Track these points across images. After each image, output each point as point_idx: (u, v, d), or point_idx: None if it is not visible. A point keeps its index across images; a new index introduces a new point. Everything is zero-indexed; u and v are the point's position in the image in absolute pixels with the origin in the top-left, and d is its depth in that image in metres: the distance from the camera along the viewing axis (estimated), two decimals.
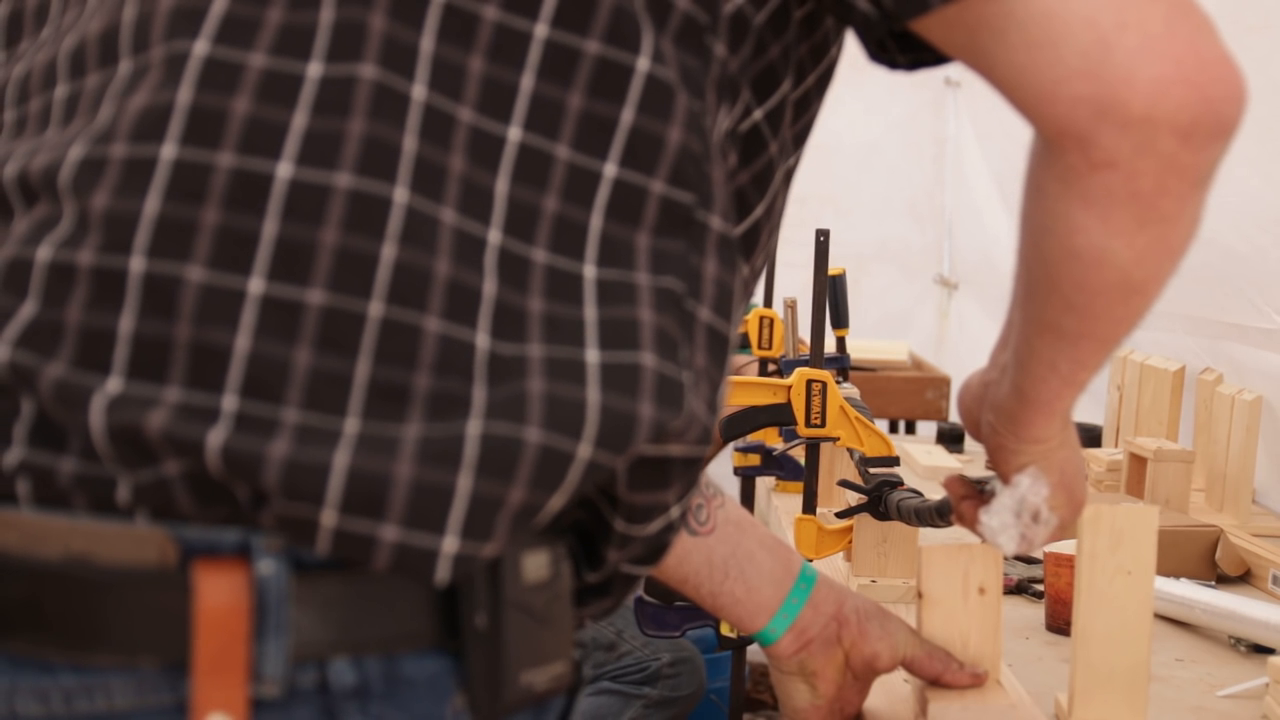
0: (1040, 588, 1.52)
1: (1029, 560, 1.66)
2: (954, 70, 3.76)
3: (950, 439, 2.52)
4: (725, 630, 1.38)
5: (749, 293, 0.87)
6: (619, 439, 0.69)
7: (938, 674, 1.09)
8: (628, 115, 0.71)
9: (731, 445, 1.87)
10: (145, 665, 0.66)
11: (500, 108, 0.70)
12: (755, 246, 0.85)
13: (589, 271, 0.70)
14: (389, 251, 0.67)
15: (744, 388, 1.58)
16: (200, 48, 0.69)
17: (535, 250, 0.70)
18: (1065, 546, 1.38)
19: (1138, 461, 1.90)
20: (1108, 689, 1.07)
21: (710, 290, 0.74)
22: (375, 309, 0.66)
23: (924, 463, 2.30)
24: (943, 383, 3.10)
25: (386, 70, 0.68)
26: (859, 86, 3.83)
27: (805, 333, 1.74)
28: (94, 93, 0.72)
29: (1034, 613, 1.50)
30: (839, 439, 1.56)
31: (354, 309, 0.66)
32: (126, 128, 0.69)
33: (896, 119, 3.81)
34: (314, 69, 0.68)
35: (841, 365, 2.01)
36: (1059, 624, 1.43)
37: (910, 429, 3.09)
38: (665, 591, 1.82)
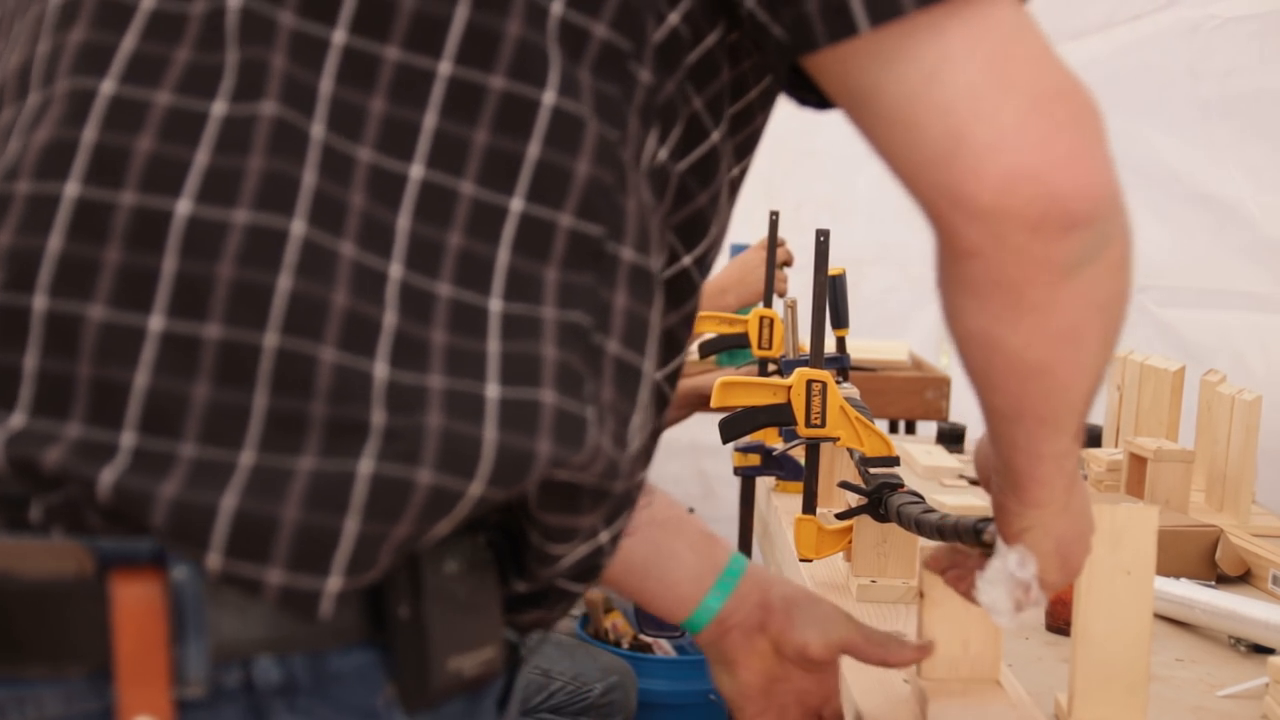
0: None
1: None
2: None
3: (950, 439, 2.52)
4: None
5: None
6: (512, 476, 0.69)
7: (880, 658, 1.10)
8: (534, 150, 0.71)
9: (732, 445, 1.87)
10: (72, 674, 0.67)
11: (402, 146, 0.70)
12: (704, 267, 0.86)
13: (494, 305, 0.71)
14: (285, 283, 0.67)
15: (744, 388, 1.58)
16: (107, 86, 0.70)
17: (439, 284, 0.70)
18: None
19: (1138, 461, 1.90)
20: (1108, 689, 1.07)
21: (620, 323, 0.74)
22: (270, 340, 0.67)
23: (924, 463, 2.30)
24: (943, 383, 3.09)
25: (287, 107, 0.69)
26: None
27: (805, 333, 1.74)
28: (6, 127, 0.73)
29: (1033, 612, 1.50)
30: (839, 439, 1.56)
31: (250, 341, 0.67)
32: (30, 163, 0.70)
33: None
34: (218, 107, 0.69)
35: (841, 365, 2.01)
36: (1059, 624, 1.43)
37: (910, 429, 3.09)
38: None
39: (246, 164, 0.68)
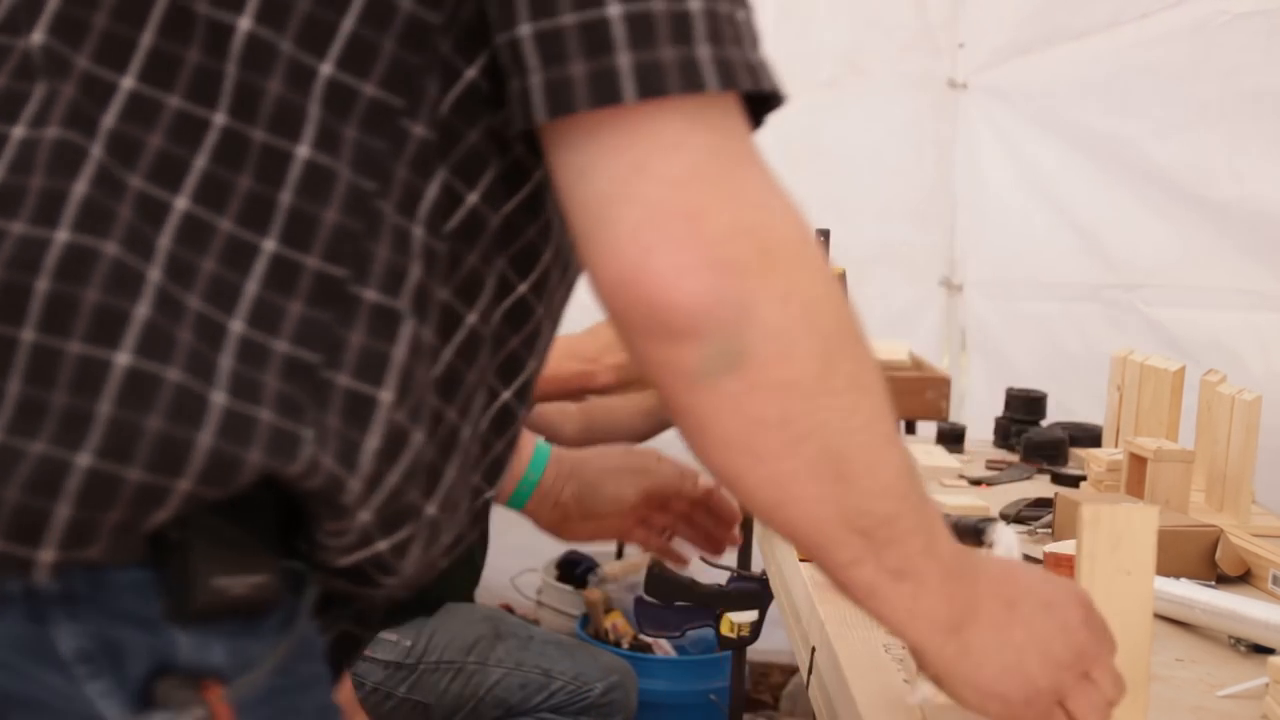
0: None
1: (1029, 560, 1.66)
2: (958, 72, 3.77)
3: (950, 439, 2.52)
4: (725, 630, 1.38)
5: (540, 337, 0.94)
6: (222, 478, 0.75)
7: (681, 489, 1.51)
8: (286, 197, 0.78)
9: None
10: None
11: (172, 180, 0.77)
12: (542, 291, 0.92)
13: (236, 326, 0.76)
14: (42, 285, 0.73)
15: None
16: None
17: (191, 297, 0.76)
18: (1065, 546, 1.38)
19: (1138, 461, 1.90)
20: None
21: (353, 358, 0.79)
22: (27, 335, 0.73)
23: (924, 463, 2.30)
24: (943, 383, 3.09)
25: (70, 131, 0.76)
26: (858, 91, 3.84)
27: None
28: None
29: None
30: None
31: (9, 335, 0.73)
32: None
33: (896, 123, 3.81)
34: (18, 131, 0.76)
35: None
36: None
37: (910, 429, 3.09)
38: (666, 592, 1.82)
39: (29, 182, 0.75)
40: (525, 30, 0.76)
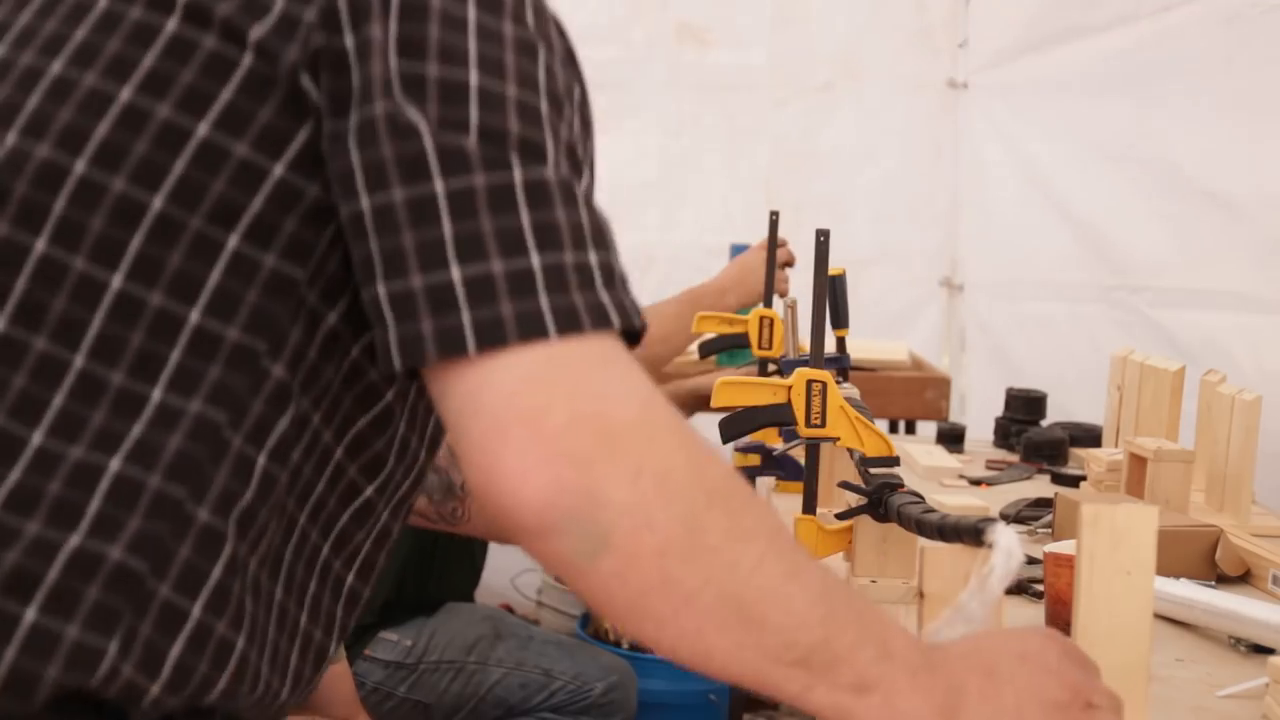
0: (1040, 588, 1.52)
1: (1029, 560, 1.66)
2: (959, 73, 3.77)
3: (950, 439, 2.52)
4: None
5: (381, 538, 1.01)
6: (21, 691, 0.81)
7: None
8: (137, 429, 0.85)
9: (732, 445, 1.87)
10: None
11: (30, 417, 0.85)
12: (390, 488, 0.99)
13: (73, 540, 0.83)
14: None
15: (744, 388, 1.58)
16: None
17: (30, 523, 0.83)
18: (1065, 546, 1.38)
19: (1138, 461, 1.90)
20: None
21: (177, 571, 0.85)
22: None
23: (924, 463, 2.30)
24: (943, 383, 3.09)
25: None
26: (858, 91, 3.84)
27: (805, 333, 1.74)
28: None
29: (1034, 613, 1.50)
30: (839, 439, 1.56)
31: None
32: None
33: (896, 123, 3.81)
34: None
35: (841, 365, 2.01)
36: (1059, 624, 1.43)
37: (910, 429, 3.09)
38: None
39: None
40: (381, 290, 0.82)
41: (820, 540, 1.57)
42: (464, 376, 0.81)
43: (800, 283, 2.08)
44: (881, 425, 1.66)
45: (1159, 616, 1.44)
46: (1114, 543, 1.04)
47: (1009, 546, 1.02)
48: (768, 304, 2.31)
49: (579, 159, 0.89)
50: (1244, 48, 2.53)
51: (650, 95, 3.72)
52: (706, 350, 2.48)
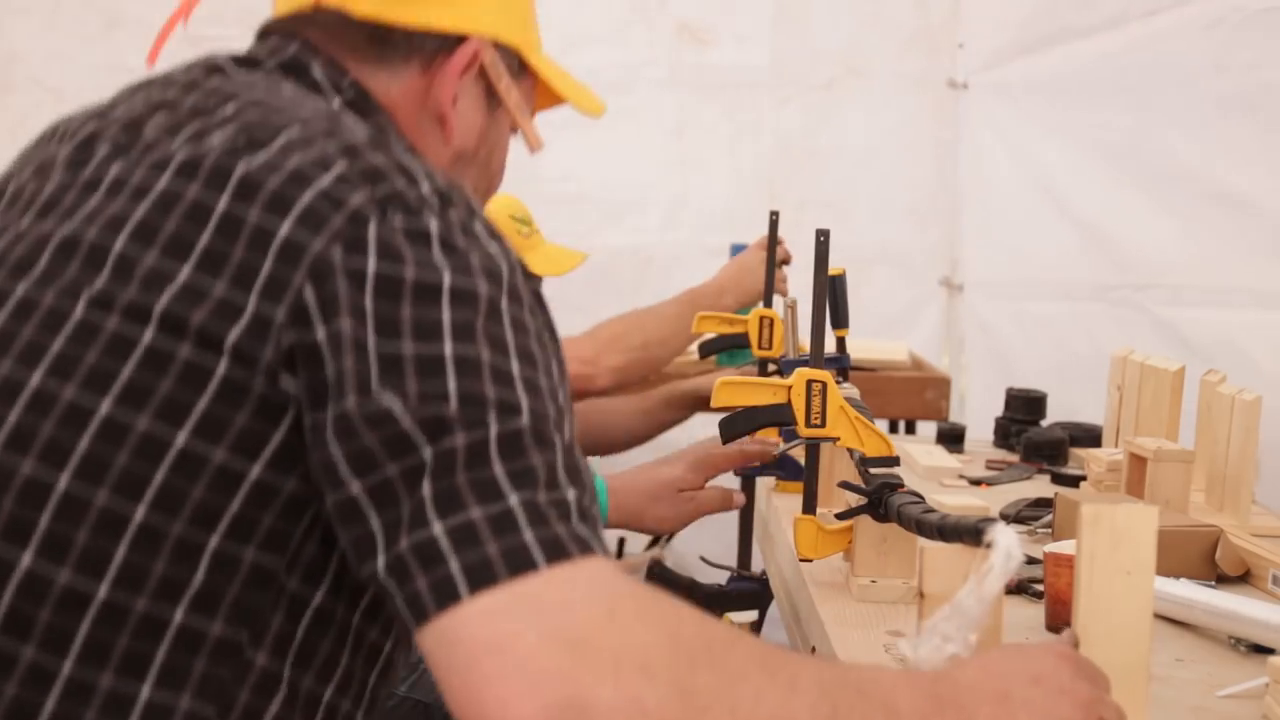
0: (1040, 588, 1.52)
1: (1029, 560, 1.66)
2: (959, 73, 3.77)
3: (950, 439, 2.52)
4: None
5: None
6: None
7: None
8: (145, 691, 0.91)
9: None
10: None
11: (59, 649, 0.90)
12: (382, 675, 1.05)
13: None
14: None
15: (744, 388, 1.58)
16: None
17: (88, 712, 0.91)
18: (1065, 546, 1.38)
19: (1138, 461, 1.90)
20: None
21: None
22: None
23: (924, 463, 2.30)
24: (943, 383, 3.09)
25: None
26: (858, 91, 3.84)
27: (805, 333, 1.74)
28: None
29: (1034, 613, 1.50)
30: (839, 439, 1.56)
31: None
32: None
33: (896, 123, 3.81)
34: None
35: (841, 365, 2.01)
36: (1059, 624, 1.43)
37: (910, 429, 3.09)
38: (666, 591, 1.81)
39: None
40: (380, 563, 0.86)
41: (820, 540, 1.57)
42: (435, 622, 0.84)
43: (800, 283, 2.08)
44: (881, 425, 1.66)
45: (1159, 616, 1.44)
46: (1114, 543, 1.04)
47: (1008, 546, 1.02)
48: (768, 304, 2.31)
49: (560, 406, 0.93)
50: (1233, 51, 2.54)
51: (650, 95, 3.72)
52: (706, 350, 2.48)
